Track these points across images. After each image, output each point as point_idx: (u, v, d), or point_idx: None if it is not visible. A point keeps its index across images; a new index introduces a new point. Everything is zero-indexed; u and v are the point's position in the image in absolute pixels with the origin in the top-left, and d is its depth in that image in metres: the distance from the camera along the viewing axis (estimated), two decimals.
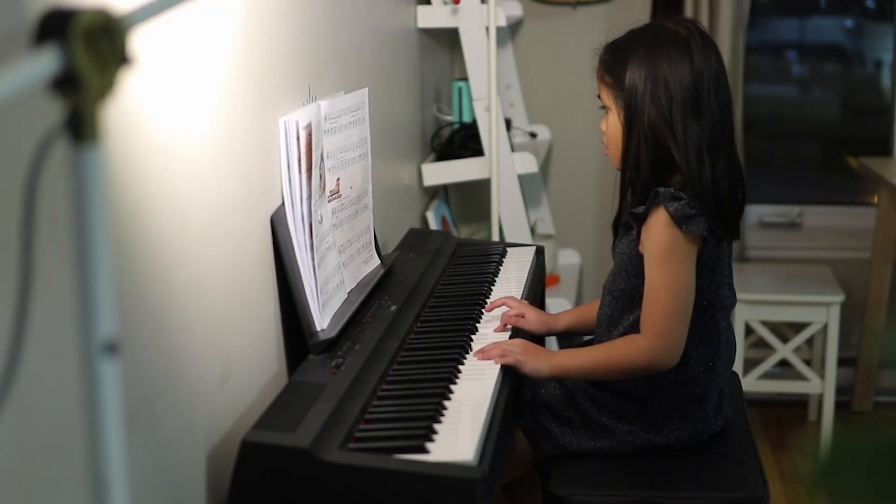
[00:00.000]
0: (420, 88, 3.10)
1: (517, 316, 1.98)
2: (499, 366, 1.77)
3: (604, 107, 1.90)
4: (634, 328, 1.84)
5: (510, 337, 1.93)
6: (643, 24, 1.89)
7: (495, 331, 1.95)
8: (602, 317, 1.94)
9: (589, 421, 1.89)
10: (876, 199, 3.71)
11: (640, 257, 1.82)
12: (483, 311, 2.04)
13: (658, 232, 1.77)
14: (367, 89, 2.09)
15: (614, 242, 1.93)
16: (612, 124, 1.87)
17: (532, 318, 2.01)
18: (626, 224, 1.86)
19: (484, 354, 1.79)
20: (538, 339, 2.13)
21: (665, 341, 1.78)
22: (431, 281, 2.19)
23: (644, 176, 1.81)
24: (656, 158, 1.80)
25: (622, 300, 1.88)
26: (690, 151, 1.77)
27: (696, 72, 1.79)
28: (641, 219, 1.80)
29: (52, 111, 0.73)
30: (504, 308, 2.01)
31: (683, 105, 1.78)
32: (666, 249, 1.77)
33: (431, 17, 3.08)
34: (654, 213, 1.78)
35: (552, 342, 3.12)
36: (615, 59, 1.85)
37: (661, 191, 1.77)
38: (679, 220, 1.75)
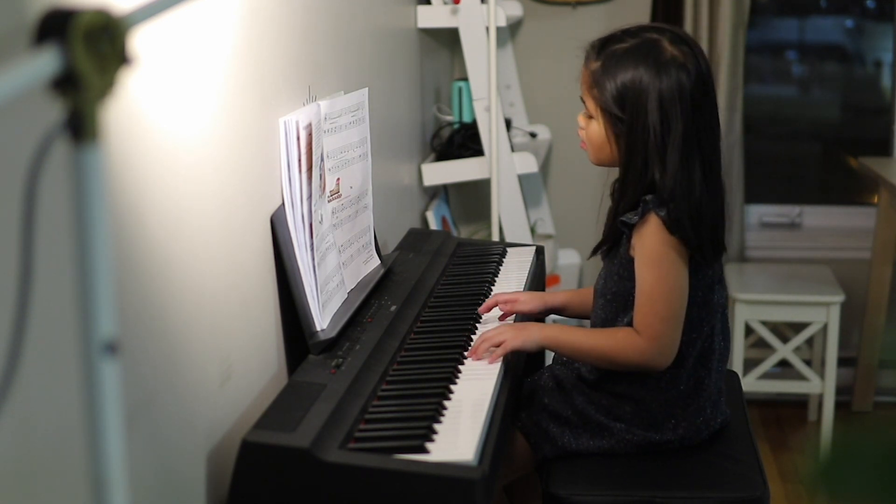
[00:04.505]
0: (420, 88, 3.10)
1: (511, 302, 2.00)
2: (499, 365, 1.77)
3: (587, 113, 1.89)
4: None
5: None
6: (637, 39, 1.83)
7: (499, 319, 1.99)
8: (595, 320, 1.95)
9: (587, 420, 1.89)
10: (876, 199, 3.71)
11: (631, 260, 1.82)
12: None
13: (650, 237, 1.78)
14: (367, 89, 2.09)
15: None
16: (595, 132, 1.87)
17: (526, 299, 2.03)
18: (617, 229, 1.87)
19: (475, 355, 1.81)
20: (539, 320, 2.13)
21: (661, 343, 1.79)
22: (431, 281, 2.19)
23: (629, 195, 1.82)
24: (641, 180, 1.80)
25: (615, 303, 1.88)
26: (677, 178, 1.77)
27: (687, 99, 1.77)
28: (632, 225, 1.80)
29: (52, 111, 0.73)
30: (497, 310, 2.03)
31: (673, 131, 1.77)
32: (659, 254, 1.77)
33: (431, 17, 3.08)
34: (646, 219, 1.78)
35: None
36: (604, 72, 1.82)
37: (650, 198, 1.78)
38: (670, 226, 1.75)
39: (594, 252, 1.96)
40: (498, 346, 1.81)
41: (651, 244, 1.78)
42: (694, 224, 1.77)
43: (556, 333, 1.85)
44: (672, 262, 1.78)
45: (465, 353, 1.83)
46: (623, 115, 1.80)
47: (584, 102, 1.89)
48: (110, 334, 0.74)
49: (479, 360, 1.80)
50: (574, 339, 1.85)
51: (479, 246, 2.54)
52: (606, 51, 1.84)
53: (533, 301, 2.04)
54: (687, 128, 1.77)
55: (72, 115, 0.72)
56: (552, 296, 2.10)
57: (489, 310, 2.02)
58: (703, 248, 1.79)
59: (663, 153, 1.77)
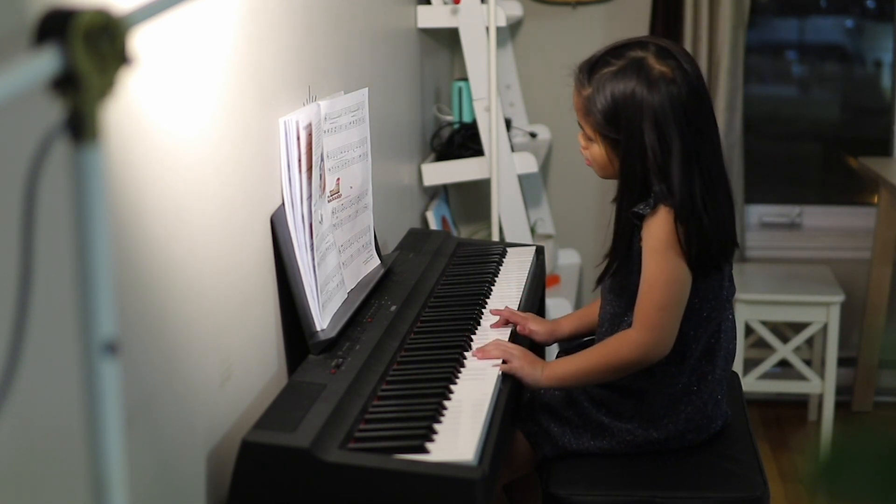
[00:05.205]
0: (420, 88, 3.10)
1: (522, 325, 1.99)
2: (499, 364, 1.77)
3: (586, 135, 1.89)
4: None
5: (510, 339, 1.93)
6: (623, 59, 1.82)
7: (493, 326, 1.97)
8: (605, 316, 1.95)
9: (588, 420, 1.89)
10: (876, 199, 3.71)
11: (640, 252, 1.83)
12: (483, 310, 2.05)
13: (659, 226, 1.78)
14: (367, 89, 2.09)
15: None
16: (597, 153, 1.87)
17: (539, 330, 2.03)
18: (627, 225, 1.87)
19: (484, 354, 1.80)
20: (540, 348, 2.13)
21: (655, 333, 1.79)
22: (431, 281, 2.19)
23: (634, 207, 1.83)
24: (643, 195, 1.81)
25: (625, 297, 1.88)
26: (684, 195, 1.77)
27: (681, 113, 1.78)
28: (643, 216, 1.81)
29: (52, 111, 0.73)
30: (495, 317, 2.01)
31: (673, 147, 1.77)
32: (665, 243, 1.78)
33: (431, 17, 3.08)
34: (657, 209, 1.79)
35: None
36: (596, 98, 1.83)
37: (661, 188, 1.78)
38: (679, 215, 1.76)
39: (601, 279, 1.94)
40: (506, 361, 1.80)
41: (658, 234, 1.78)
42: (697, 230, 1.77)
43: (557, 371, 1.85)
44: (677, 253, 1.78)
45: (467, 353, 1.83)
46: (620, 137, 1.81)
47: (581, 127, 1.90)
48: (110, 334, 0.74)
49: (485, 359, 1.80)
50: (574, 368, 1.85)
51: (479, 246, 2.54)
52: (595, 76, 1.85)
53: (544, 335, 2.05)
54: (685, 141, 1.78)
55: (72, 115, 0.72)
56: (559, 326, 2.10)
57: (501, 320, 2.00)
58: (703, 253, 1.79)
59: (666, 170, 1.78)
